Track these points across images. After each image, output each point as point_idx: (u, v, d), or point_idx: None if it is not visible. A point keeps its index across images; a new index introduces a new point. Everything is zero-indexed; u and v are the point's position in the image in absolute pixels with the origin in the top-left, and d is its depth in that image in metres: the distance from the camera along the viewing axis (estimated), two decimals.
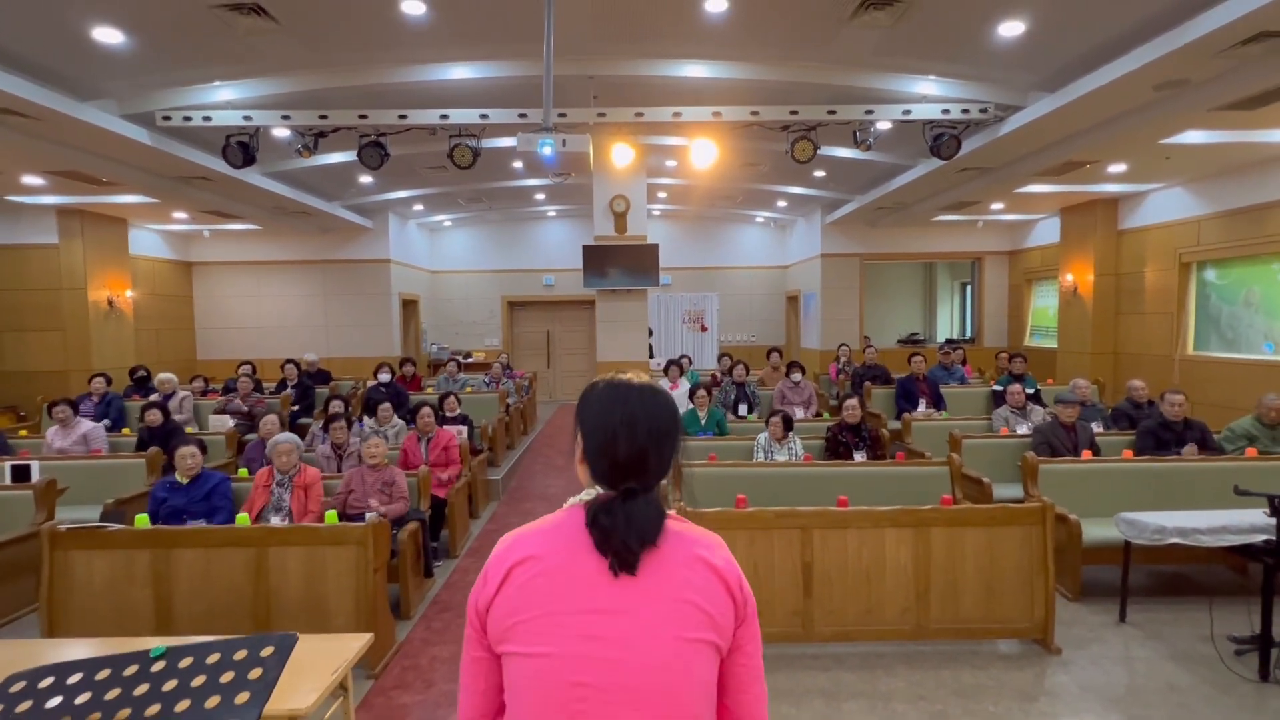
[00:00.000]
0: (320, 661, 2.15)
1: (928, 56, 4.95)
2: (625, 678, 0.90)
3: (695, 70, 5.16)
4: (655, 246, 8.04)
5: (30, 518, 4.31)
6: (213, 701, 0.98)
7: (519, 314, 13.37)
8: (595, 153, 7.08)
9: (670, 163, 8.52)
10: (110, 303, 8.75)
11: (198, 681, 1.02)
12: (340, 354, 10.86)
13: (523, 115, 5.48)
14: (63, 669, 1.06)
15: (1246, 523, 3.31)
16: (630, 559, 0.93)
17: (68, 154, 5.77)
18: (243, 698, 0.99)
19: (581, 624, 0.91)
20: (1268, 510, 3.14)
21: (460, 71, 5.21)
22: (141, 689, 1.01)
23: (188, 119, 5.47)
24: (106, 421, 6.50)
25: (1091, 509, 4.22)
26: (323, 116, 5.53)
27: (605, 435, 0.98)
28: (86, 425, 5.70)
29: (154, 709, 0.98)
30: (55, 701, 0.99)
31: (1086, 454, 4.78)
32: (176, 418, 6.31)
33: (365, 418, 6.27)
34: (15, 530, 4.16)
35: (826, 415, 7.00)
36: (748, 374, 7.35)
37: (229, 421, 6.72)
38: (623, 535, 0.92)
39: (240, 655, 1.06)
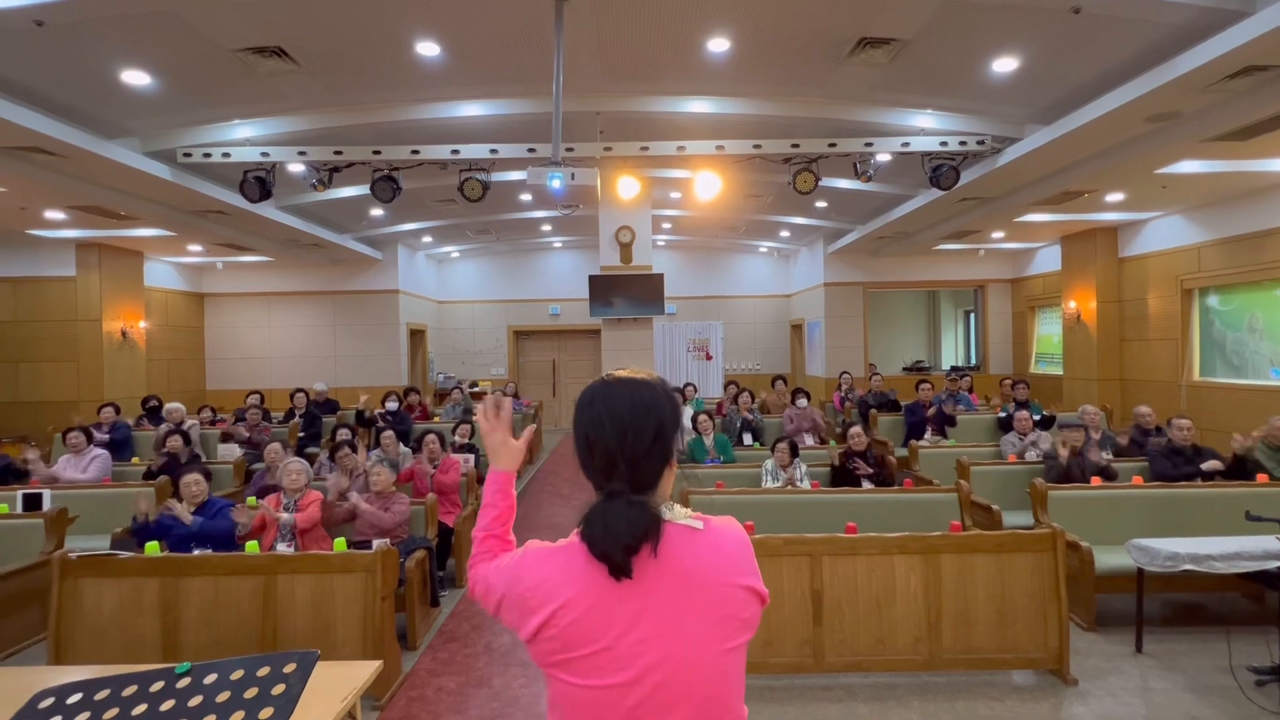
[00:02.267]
0: (329, 688, 2.14)
1: (924, 91, 5.10)
2: (677, 693, 0.93)
3: (699, 106, 5.32)
4: (660, 276, 8.16)
5: (40, 546, 4.32)
6: (237, 717, 1.00)
7: (525, 343, 13.47)
8: (601, 185, 7.25)
9: (675, 194, 8.70)
10: (124, 334, 8.89)
11: (222, 697, 1.04)
12: (348, 383, 10.93)
13: (531, 150, 5.64)
14: (90, 685, 1.08)
15: (1260, 549, 3.28)
16: (617, 566, 0.92)
17: (91, 190, 5.95)
18: (267, 713, 1.01)
19: (630, 654, 0.93)
20: None
21: (471, 109, 5.39)
22: (168, 704, 1.04)
23: (207, 155, 5.66)
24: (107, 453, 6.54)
25: (1103, 536, 4.19)
26: (338, 152, 5.70)
27: (582, 441, 1.00)
28: (95, 453, 5.75)
29: None
30: (83, 717, 1.02)
31: (1096, 480, 4.75)
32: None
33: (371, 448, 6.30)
34: (26, 559, 4.17)
35: (833, 442, 6.99)
36: (753, 402, 7.36)
37: (236, 451, 6.76)
38: (602, 544, 0.92)
39: (263, 672, 1.08)
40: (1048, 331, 10.53)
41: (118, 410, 7.09)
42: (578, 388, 11.27)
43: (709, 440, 6.16)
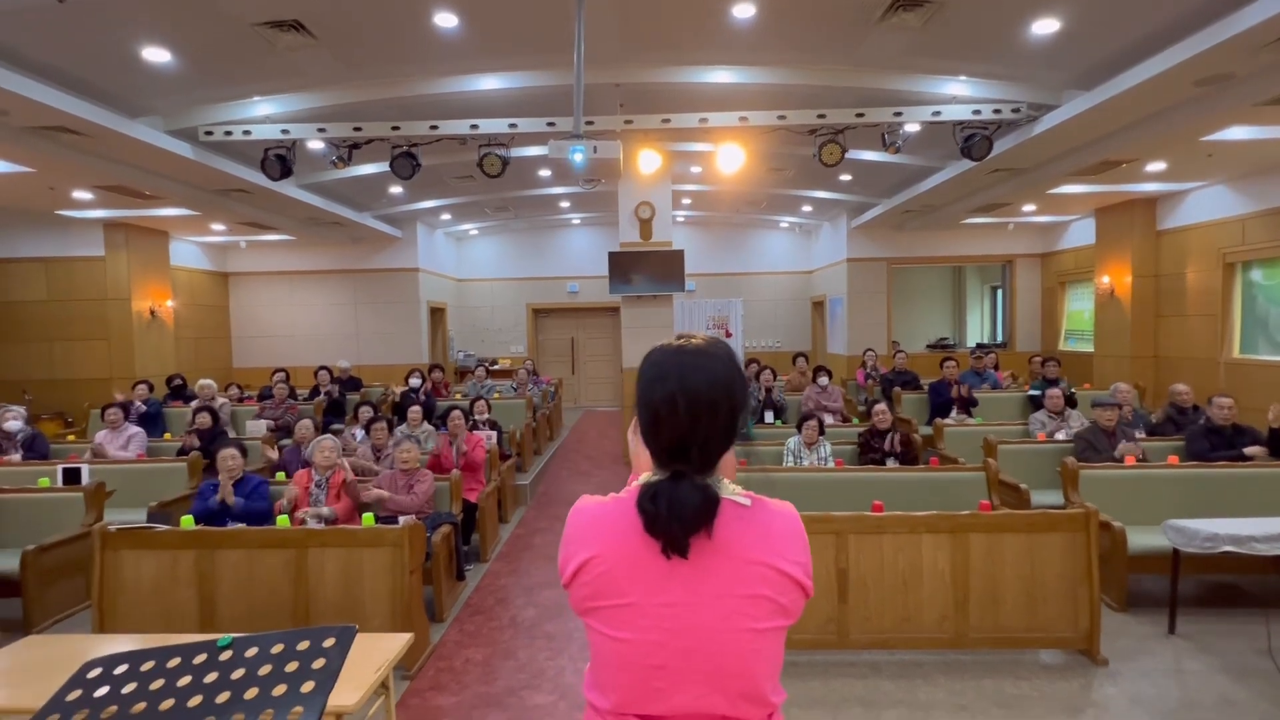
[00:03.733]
0: (363, 660, 2.18)
1: (958, 57, 4.90)
2: (701, 663, 0.93)
3: (722, 76, 5.18)
4: (680, 252, 8.06)
5: (80, 519, 4.46)
6: (279, 689, 1.01)
7: (544, 321, 13.48)
8: (623, 160, 7.13)
9: (695, 169, 8.55)
10: (152, 312, 9.05)
11: (264, 670, 1.04)
12: (370, 361, 11.07)
13: (551, 124, 5.56)
14: (135, 657, 1.09)
15: None
16: (674, 543, 0.93)
17: (115, 169, 6.01)
18: (308, 686, 1.01)
19: (657, 615, 0.93)
20: None
21: (490, 82, 5.31)
22: (211, 677, 1.05)
23: (228, 134, 5.66)
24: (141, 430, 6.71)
25: (1136, 516, 4.10)
26: (357, 129, 5.67)
27: (649, 416, 0.96)
28: (131, 429, 5.89)
29: (224, 696, 1.01)
30: (130, 688, 1.03)
31: (1130, 459, 4.64)
32: None
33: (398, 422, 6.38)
34: (67, 531, 4.31)
35: (855, 420, 6.92)
36: (775, 379, 7.30)
37: (264, 427, 6.89)
38: (665, 523, 0.92)
39: (303, 646, 1.09)
40: (1078, 308, 10.26)
41: (150, 388, 7.25)
42: (596, 366, 11.28)
43: None
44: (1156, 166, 6.54)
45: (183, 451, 5.72)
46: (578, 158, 4.42)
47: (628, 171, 7.58)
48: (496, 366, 12.27)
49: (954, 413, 6.88)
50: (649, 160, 5.95)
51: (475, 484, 5.22)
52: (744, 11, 4.29)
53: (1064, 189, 7.49)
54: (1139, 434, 5.37)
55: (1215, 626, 3.67)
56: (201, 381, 7.38)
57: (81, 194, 7.13)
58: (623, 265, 8.06)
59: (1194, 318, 7.66)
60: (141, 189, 6.71)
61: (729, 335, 12.64)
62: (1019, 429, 6.21)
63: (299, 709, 0.97)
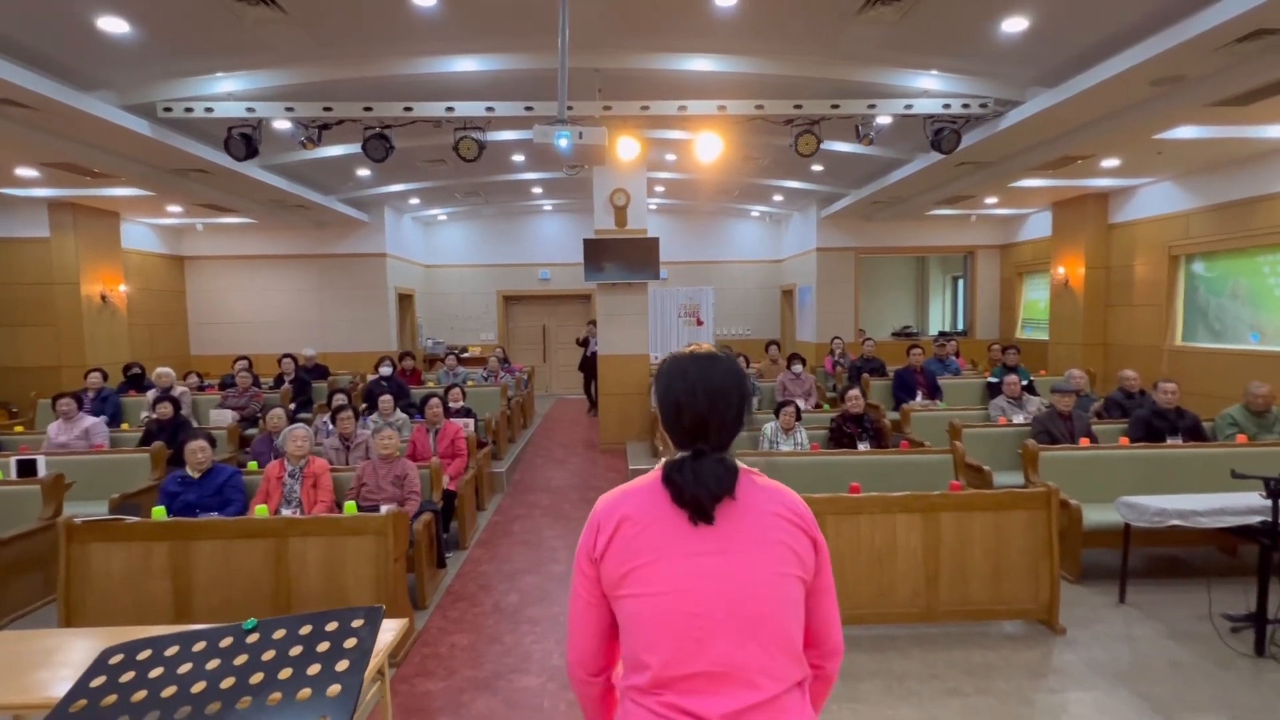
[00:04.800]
0: None
1: (931, 51, 5.02)
2: (734, 606, 1.03)
3: (701, 64, 5.19)
4: (655, 240, 8.09)
5: (37, 512, 4.28)
6: (314, 669, 1.02)
7: (515, 308, 13.36)
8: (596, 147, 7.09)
9: (669, 156, 8.55)
10: (103, 297, 8.65)
11: (295, 651, 1.05)
12: (336, 349, 10.81)
13: (529, 108, 5.49)
14: (160, 642, 1.09)
15: (1243, 505, 3.43)
16: (703, 510, 1.06)
17: (65, 145, 5.70)
18: (343, 665, 1.03)
19: (691, 565, 1.05)
20: (1264, 492, 3.26)
21: (467, 64, 5.21)
22: (241, 659, 1.05)
23: (189, 110, 5.43)
24: (104, 417, 6.44)
25: (1090, 494, 4.34)
26: (327, 109, 5.51)
27: (671, 407, 1.13)
28: (88, 420, 5.65)
29: (258, 677, 1.02)
30: (157, 672, 1.03)
31: (1084, 441, 4.90)
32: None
33: (367, 412, 6.27)
34: (23, 525, 4.13)
35: (826, 406, 7.10)
36: (748, 366, 7.41)
37: (230, 416, 6.69)
38: (693, 490, 1.05)
39: (332, 627, 1.10)
40: (1035, 297, 10.68)
41: (105, 376, 6.95)
42: (568, 354, 11.28)
43: None
44: (1111, 163, 6.84)
45: (146, 440, 5.52)
46: (563, 143, 4.39)
47: (607, 158, 7.54)
48: (467, 354, 12.13)
49: (920, 398, 7.12)
50: (627, 147, 5.94)
51: (454, 472, 5.19)
52: (727, 0, 4.31)
53: (1024, 183, 7.76)
54: (1090, 415, 5.65)
55: (1161, 596, 3.93)
56: (159, 370, 7.10)
57: (25, 171, 6.74)
58: (598, 252, 8.04)
59: (1141, 307, 8.07)
60: (91, 167, 6.38)
61: (700, 324, 12.77)
62: (980, 414, 6.47)
63: (336, 687, 0.99)
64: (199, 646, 1.08)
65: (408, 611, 3.55)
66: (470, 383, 8.17)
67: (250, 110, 5.44)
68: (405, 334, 12.00)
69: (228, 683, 1.01)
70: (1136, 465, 4.60)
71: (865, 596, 3.49)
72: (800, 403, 7.08)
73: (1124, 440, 4.86)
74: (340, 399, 6.01)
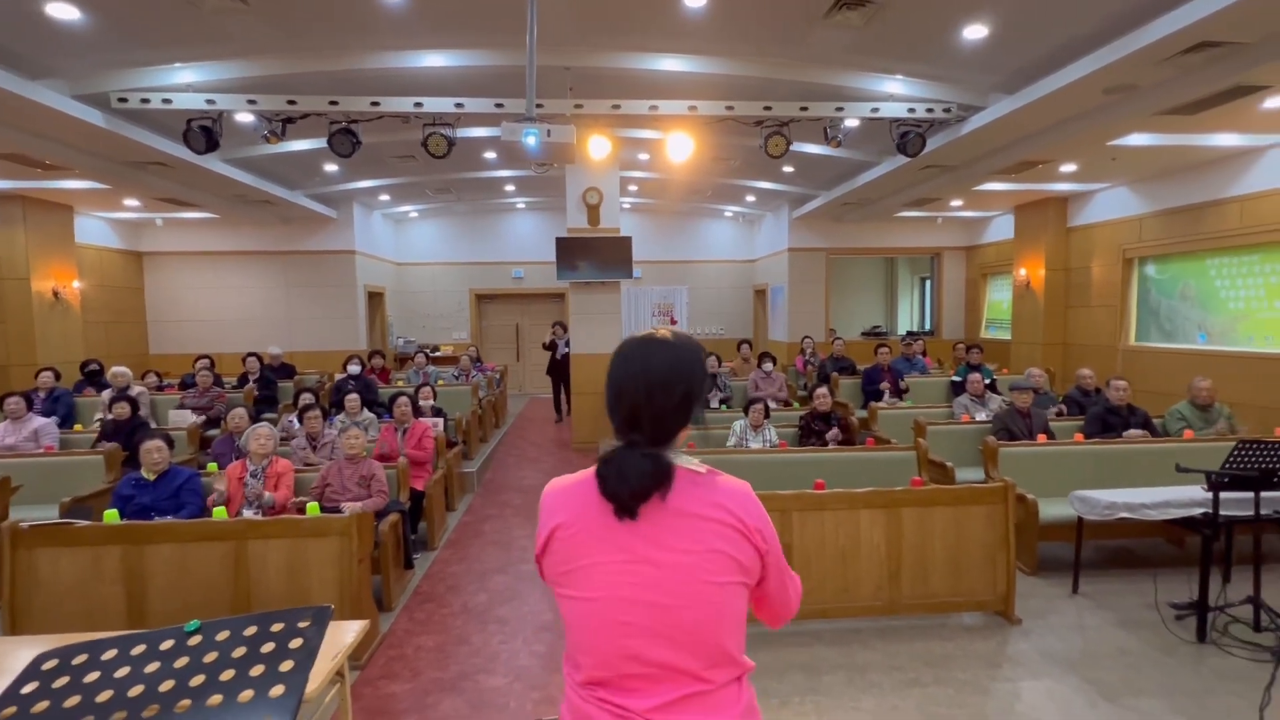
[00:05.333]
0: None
1: (896, 56, 5.12)
2: (664, 617, 1.00)
3: (672, 64, 5.22)
4: (628, 239, 8.10)
5: None
6: (257, 670, 1.01)
7: (487, 307, 13.24)
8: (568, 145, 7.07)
9: (642, 156, 8.57)
10: (55, 294, 8.33)
11: (238, 653, 1.04)
12: (304, 348, 10.58)
13: (499, 105, 5.45)
14: (95, 647, 1.06)
15: (1186, 497, 3.57)
16: (623, 507, 1.01)
17: (12, 136, 5.48)
18: (287, 665, 1.01)
19: (624, 572, 1.02)
20: (1205, 485, 3.41)
21: (436, 59, 5.15)
22: (181, 662, 1.03)
23: (145, 101, 5.26)
24: (55, 418, 6.21)
25: (1047, 489, 4.48)
26: (291, 102, 5.39)
27: (611, 393, 1.08)
28: (38, 421, 5.45)
29: (198, 679, 1.00)
30: (93, 677, 1.00)
31: (1042, 438, 5.05)
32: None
33: (335, 412, 6.16)
34: None
35: (796, 405, 7.19)
36: (720, 365, 7.47)
37: (190, 416, 6.51)
38: (614, 485, 1.01)
39: (277, 627, 1.08)
40: (998, 298, 10.96)
41: (57, 376, 6.70)
42: (541, 353, 11.16)
43: None
44: (1069, 167, 7.06)
45: (103, 439, 5.34)
46: (531, 141, 4.36)
47: (577, 157, 7.52)
48: (438, 353, 11.99)
49: (886, 396, 7.25)
50: (599, 146, 5.94)
51: (422, 472, 5.14)
52: (696, 0, 4.33)
53: (988, 186, 7.96)
54: (1052, 412, 5.83)
55: (1113, 586, 4.08)
56: (115, 369, 6.88)
57: None
58: (570, 251, 8.02)
59: (1097, 308, 8.34)
60: (42, 158, 6.15)
61: (674, 322, 12.81)
62: (945, 411, 6.62)
63: (280, 687, 0.98)
64: (138, 650, 1.05)
65: (372, 613, 3.50)
66: (441, 381, 8.08)
67: (210, 102, 5.30)
68: (375, 333, 11.81)
69: (166, 686, 0.99)
70: (1090, 460, 4.76)
71: (830, 591, 3.55)
72: (771, 401, 7.17)
73: (1078, 436, 5.02)
74: (307, 398, 5.89)
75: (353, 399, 5.75)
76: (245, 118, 5.74)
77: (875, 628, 3.58)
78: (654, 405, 1.04)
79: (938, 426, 5.62)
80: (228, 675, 0.99)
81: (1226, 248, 6.65)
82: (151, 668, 1.02)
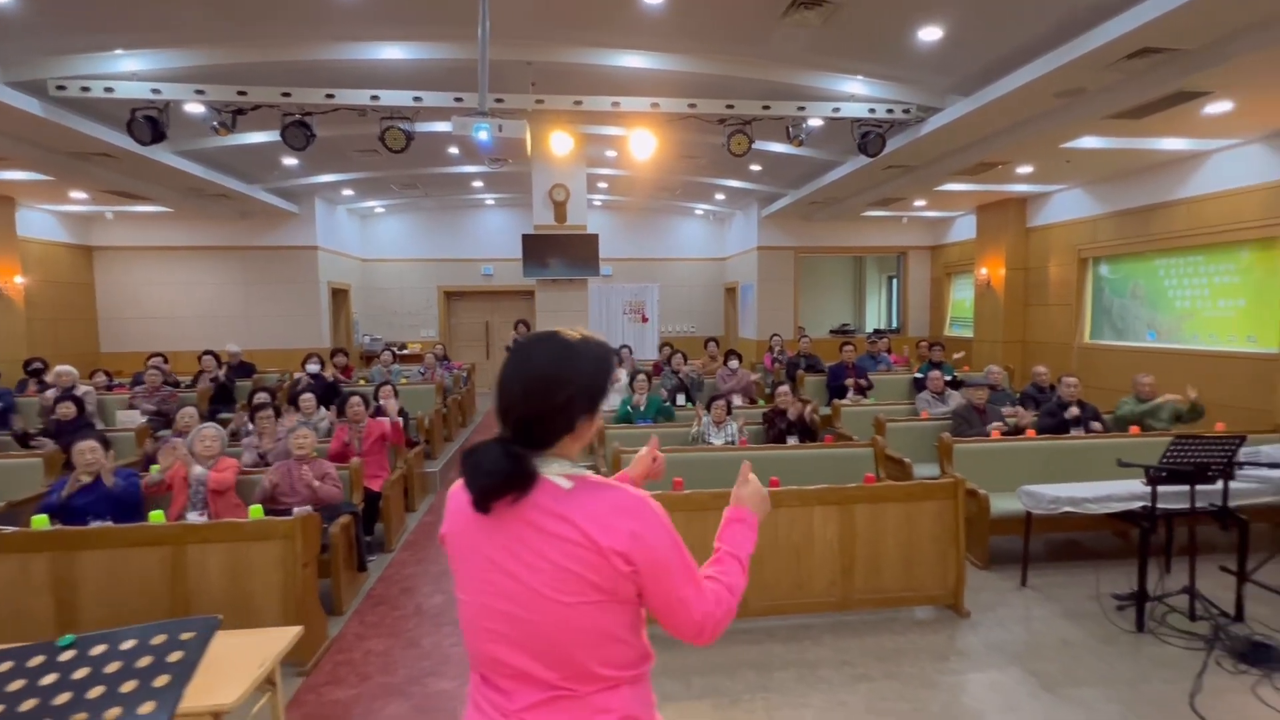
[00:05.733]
0: (246, 656, 2.08)
1: (855, 57, 5.17)
2: (519, 627, 1.01)
3: (634, 61, 5.19)
4: (595, 236, 8.06)
5: None
6: (129, 686, 0.96)
7: (456, 304, 13.07)
8: (534, 141, 7.00)
9: (610, 153, 8.53)
10: None
11: (112, 668, 0.99)
12: (264, 346, 10.32)
13: (459, 99, 5.36)
14: None
15: (1127, 491, 3.67)
16: (478, 500, 1.01)
17: None
18: (162, 680, 0.97)
19: (486, 578, 1.03)
20: (1144, 480, 3.51)
21: (392, 51, 5.04)
22: (49, 679, 0.97)
23: (86, 90, 5.05)
24: None
25: (1000, 484, 4.57)
26: (241, 93, 5.23)
27: (497, 385, 1.07)
28: None
29: (64, 698, 0.94)
30: None
31: (995, 434, 5.15)
32: None
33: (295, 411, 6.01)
34: None
35: (761, 402, 7.23)
36: (686, 363, 7.48)
37: (139, 417, 6.29)
38: (467, 475, 1.01)
39: (158, 640, 1.03)
40: (961, 296, 11.18)
41: None
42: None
43: (641, 400, 6.24)
44: (1025, 169, 7.21)
45: (22, 439, 5.13)
46: (482, 135, 4.29)
47: (541, 153, 7.45)
48: (406, 351, 11.80)
49: (850, 393, 7.34)
50: (561, 142, 5.88)
51: (379, 471, 5.04)
52: None
53: (949, 186, 8.10)
54: (1006, 410, 5.96)
55: (1059, 578, 4.18)
56: (60, 368, 6.61)
57: None
58: (537, 248, 7.96)
59: (1054, 307, 8.56)
60: None
61: (645, 320, 12.81)
62: (908, 408, 6.72)
63: (150, 704, 0.93)
64: (4, 667, 0.99)
65: (319, 618, 3.42)
66: (404, 380, 7.94)
67: (156, 92, 5.11)
68: (340, 330, 11.57)
69: (29, 705, 0.93)
70: (1041, 456, 4.87)
71: (783, 588, 3.57)
72: (736, 398, 7.20)
73: (1030, 432, 5.14)
74: (262, 397, 5.73)
75: (307, 398, 5.61)
76: (195, 108, 5.55)
77: (828, 623, 3.61)
78: (527, 406, 1.02)
79: (897, 423, 5.70)
80: (96, 692, 0.94)
81: (1174, 249, 6.87)
82: (16, 685, 0.96)
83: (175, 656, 1.00)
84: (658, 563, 1.01)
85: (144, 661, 0.99)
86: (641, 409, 6.17)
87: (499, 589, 1.02)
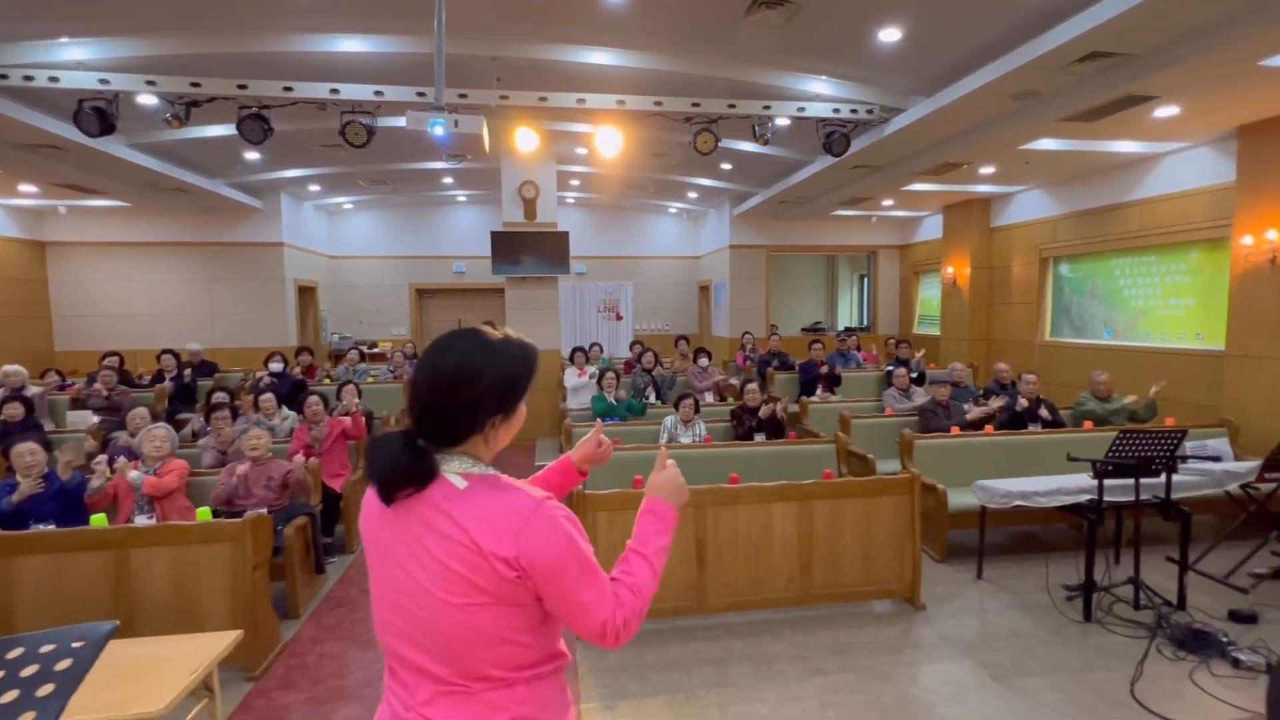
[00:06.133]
0: (180, 662, 2.03)
1: (819, 57, 5.21)
2: (412, 624, 1.02)
3: (599, 57, 5.16)
4: (565, 234, 8.02)
5: None
6: (9, 696, 0.92)
7: (429, 302, 12.91)
8: (500, 137, 6.94)
9: (581, 150, 8.49)
10: None
11: None
12: (229, 344, 10.09)
13: (421, 94, 5.28)
14: None
15: (1076, 485, 3.77)
16: (380, 491, 1.02)
17: None
18: (46, 690, 0.93)
19: (388, 574, 1.04)
20: (1091, 473, 3.60)
21: (352, 44, 4.95)
22: None
23: (29, 79, 4.87)
24: None
25: (958, 479, 4.65)
26: (195, 84, 5.09)
27: (413, 377, 1.08)
28: None
29: None
30: None
31: (955, 430, 5.25)
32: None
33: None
34: None
35: (731, 400, 7.27)
36: (656, 361, 7.49)
37: (91, 417, 6.10)
38: (370, 464, 1.02)
39: (48, 649, 1.00)
40: (929, 295, 11.36)
41: None
42: None
43: (611, 397, 6.23)
44: (987, 170, 7.35)
45: None
46: (438, 131, 4.24)
47: (509, 149, 7.38)
48: (376, 350, 11.62)
49: (820, 390, 7.42)
50: (526, 138, 5.84)
51: (340, 470, 4.96)
52: None
53: (915, 186, 8.22)
54: (969, 406, 6.07)
55: (1012, 570, 4.27)
56: (7, 367, 6.38)
57: None
58: (506, 245, 7.90)
59: (1017, 305, 8.74)
60: None
61: (619, 318, 12.79)
62: (875, 404, 6.82)
63: (30, 714, 0.90)
64: None
65: (271, 622, 3.35)
66: (371, 379, 7.82)
67: (104, 82, 4.95)
68: (308, 328, 11.35)
69: None
70: (999, 451, 4.97)
71: (743, 584, 3.59)
72: (707, 396, 7.24)
73: (989, 428, 5.24)
74: (219, 397, 5.60)
75: (267, 398, 5.50)
76: (146, 100, 5.39)
77: (787, 619, 3.64)
78: (431, 401, 1.03)
79: (862, 420, 5.78)
80: None
81: (1129, 249, 7.06)
82: None
83: (63, 665, 0.96)
84: (549, 568, 0.98)
85: (29, 671, 0.95)
86: (616, 406, 6.16)
87: (396, 583, 1.02)
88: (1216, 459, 4.23)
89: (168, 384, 7.16)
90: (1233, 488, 4.15)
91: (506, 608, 1.00)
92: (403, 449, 0.99)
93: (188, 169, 8.03)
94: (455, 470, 1.02)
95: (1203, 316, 6.30)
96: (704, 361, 7.53)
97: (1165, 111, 5.09)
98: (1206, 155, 6.11)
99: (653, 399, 7.15)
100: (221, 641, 2.14)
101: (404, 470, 0.99)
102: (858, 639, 3.42)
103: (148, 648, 2.21)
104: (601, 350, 8.71)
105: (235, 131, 5.39)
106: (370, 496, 1.07)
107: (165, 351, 7.47)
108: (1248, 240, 5.33)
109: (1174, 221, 6.44)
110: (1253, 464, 4.20)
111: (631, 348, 8.62)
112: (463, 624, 0.99)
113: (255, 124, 5.22)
